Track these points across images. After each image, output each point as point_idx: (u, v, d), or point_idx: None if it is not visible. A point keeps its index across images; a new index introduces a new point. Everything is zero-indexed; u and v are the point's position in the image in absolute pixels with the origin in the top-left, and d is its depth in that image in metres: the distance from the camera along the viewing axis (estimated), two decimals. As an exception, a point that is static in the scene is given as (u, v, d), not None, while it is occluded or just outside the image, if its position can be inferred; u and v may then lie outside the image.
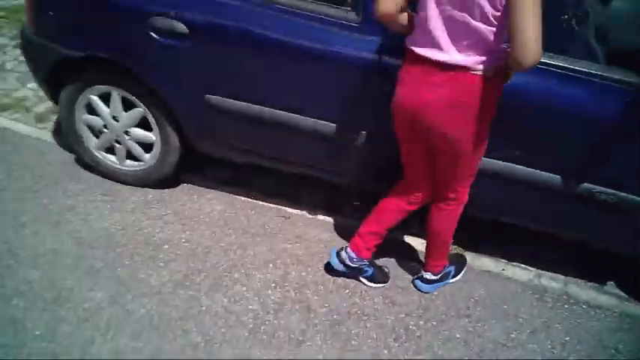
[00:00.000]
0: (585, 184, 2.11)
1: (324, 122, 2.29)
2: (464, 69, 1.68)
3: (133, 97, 2.54)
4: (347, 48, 2.11)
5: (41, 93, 3.49)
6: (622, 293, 2.50)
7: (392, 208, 2.18)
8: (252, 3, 2.18)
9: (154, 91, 2.45)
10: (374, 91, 2.13)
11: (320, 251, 2.51)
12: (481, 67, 1.68)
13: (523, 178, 2.16)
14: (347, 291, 2.34)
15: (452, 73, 1.69)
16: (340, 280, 2.38)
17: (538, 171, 2.13)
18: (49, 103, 3.34)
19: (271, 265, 2.41)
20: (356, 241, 2.26)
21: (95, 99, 2.61)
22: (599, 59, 2.16)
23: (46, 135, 3.22)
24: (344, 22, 2.12)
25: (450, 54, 1.67)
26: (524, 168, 2.14)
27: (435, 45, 1.69)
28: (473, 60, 1.67)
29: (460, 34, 1.65)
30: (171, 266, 2.36)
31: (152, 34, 2.28)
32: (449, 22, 1.65)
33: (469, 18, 1.61)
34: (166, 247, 2.45)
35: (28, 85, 3.67)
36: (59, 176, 2.87)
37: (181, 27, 2.24)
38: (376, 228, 2.22)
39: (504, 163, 2.15)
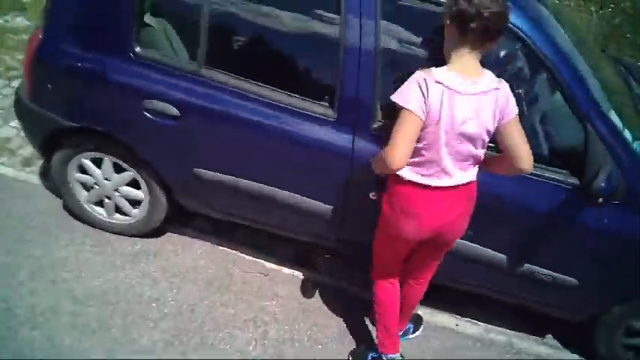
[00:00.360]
0: (527, 264, 2.45)
1: (301, 197, 2.54)
2: (470, 182, 2.00)
3: (125, 164, 2.74)
4: (323, 138, 2.37)
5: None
6: (558, 344, 2.87)
7: (395, 298, 2.39)
8: (238, 94, 2.40)
9: (145, 161, 2.66)
10: (346, 175, 2.40)
11: (295, 308, 2.79)
12: (476, 174, 2.02)
13: (477, 256, 2.48)
14: (319, 346, 2.64)
15: (463, 188, 1.99)
16: (314, 336, 2.67)
17: (490, 250, 2.46)
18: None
19: (252, 323, 2.68)
20: (395, 342, 2.45)
21: (88, 162, 2.80)
22: (541, 145, 2.46)
23: (33, 178, 3.37)
24: (321, 117, 2.36)
25: (458, 177, 1.96)
26: (478, 247, 2.46)
27: (446, 173, 1.93)
28: (473, 173, 2.01)
29: (464, 159, 1.94)
30: (161, 325, 2.60)
31: (146, 113, 2.48)
32: (456, 154, 1.90)
33: (473, 148, 1.91)
34: (155, 305, 2.69)
35: (11, 124, 3.79)
36: (49, 224, 3.05)
37: (173, 109, 2.46)
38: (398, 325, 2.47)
39: (463, 242, 2.46)
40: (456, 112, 1.81)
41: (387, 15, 2.22)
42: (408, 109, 1.80)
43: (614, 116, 2.26)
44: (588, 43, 3.01)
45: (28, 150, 3.57)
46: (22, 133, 3.60)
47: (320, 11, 2.32)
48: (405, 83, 1.84)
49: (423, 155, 1.90)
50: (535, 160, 2.21)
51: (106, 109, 2.57)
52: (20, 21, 5.06)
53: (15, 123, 3.72)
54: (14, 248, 2.88)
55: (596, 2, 5.79)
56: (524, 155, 1.92)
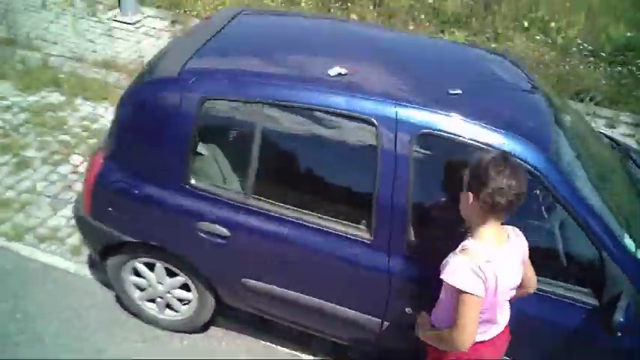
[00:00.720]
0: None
1: (341, 308, 2.78)
2: None
3: (176, 269, 3.00)
4: (360, 258, 2.60)
5: (73, 222, 3.89)
6: None
7: None
8: (283, 219, 2.66)
9: (197, 269, 2.92)
10: (383, 290, 2.63)
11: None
12: None
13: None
14: None
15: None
16: None
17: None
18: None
19: None
20: None
21: (142, 267, 3.07)
22: (559, 251, 2.66)
23: (83, 269, 3.63)
24: (358, 239, 2.60)
25: (503, 321, 2.25)
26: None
27: (496, 324, 2.19)
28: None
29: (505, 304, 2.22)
30: None
31: (200, 233, 2.74)
32: (501, 306, 2.17)
33: (512, 293, 2.18)
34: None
35: (60, 213, 4.05)
36: (104, 320, 3.30)
37: (224, 231, 2.72)
38: None
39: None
40: (506, 278, 2.05)
41: (419, 147, 2.46)
42: (471, 294, 1.95)
43: (627, 240, 2.48)
44: (599, 146, 3.23)
45: (76, 237, 3.82)
46: (71, 222, 3.92)
47: (358, 146, 2.58)
48: (457, 267, 1.99)
49: (480, 318, 2.07)
50: (554, 277, 2.48)
51: (163, 228, 2.85)
52: (57, 97, 5.29)
53: (64, 212, 4.02)
54: (75, 346, 3.13)
55: (606, 58, 6.03)
56: (532, 283, 2.26)
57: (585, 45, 5.90)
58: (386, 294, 2.65)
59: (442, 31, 6.48)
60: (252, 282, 2.86)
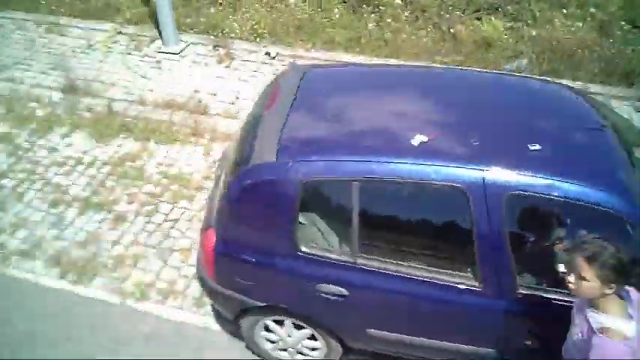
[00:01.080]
0: None
1: (460, 345, 3.17)
2: None
3: (303, 323, 3.43)
4: (473, 304, 2.97)
5: (184, 272, 4.34)
6: None
7: None
8: (394, 275, 3.00)
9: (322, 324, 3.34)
10: (498, 330, 3.03)
11: None
12: None
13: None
14: None
15: None
16: None
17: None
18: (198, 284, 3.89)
19: None
20: None
21: (272, 324, 3.51)
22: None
23: (211, 322, 4.01)
24: (467, 287, 2.95)
25: None
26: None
27: None
28: None
29: None
30: None
31: (322, 294, 3.13)
32: None
33: None
34: None
35: (170, 263, 4.43)
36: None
37: (342, 290, 3.10)
38: None
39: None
40: None
41: (510, 206, 2.77)
42: None
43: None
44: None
45: (195, 288, 4.16)
46: (182, 271, 4.34)
47: (452, 208, 2.92)
48: (610, 352, 2.13)
49: None
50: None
51: (286, 291, 3.25)
52: (130, 144, 5.61)
53: (173, 262, 4.42)
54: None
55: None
56: None
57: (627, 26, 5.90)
58: (503, 332, 3.03)
59: (479, 19, 6.60)
60: (374, 331, 3.25)
